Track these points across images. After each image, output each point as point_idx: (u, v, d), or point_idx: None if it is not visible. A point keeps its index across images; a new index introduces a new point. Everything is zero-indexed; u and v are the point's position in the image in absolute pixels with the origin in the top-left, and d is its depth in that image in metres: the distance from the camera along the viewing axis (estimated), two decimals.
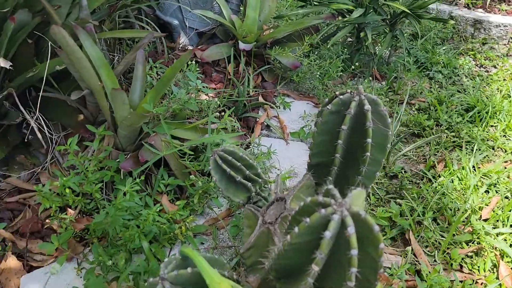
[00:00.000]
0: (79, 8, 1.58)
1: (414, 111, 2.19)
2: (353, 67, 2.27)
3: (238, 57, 2.31)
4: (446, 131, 2.03)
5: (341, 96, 0.88)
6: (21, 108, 1.50)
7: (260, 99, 2.10)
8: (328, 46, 2.22)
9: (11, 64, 1.45)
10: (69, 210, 1.48)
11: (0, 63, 1.44)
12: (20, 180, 1.57)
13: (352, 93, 0.87)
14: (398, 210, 1.55)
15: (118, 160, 1.48)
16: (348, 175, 0.94)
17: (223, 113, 1.78)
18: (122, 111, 1.41)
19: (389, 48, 2.50)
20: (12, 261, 1.31)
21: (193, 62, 1.81)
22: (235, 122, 1.60)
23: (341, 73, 2.20)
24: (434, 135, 1.99)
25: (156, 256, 1.28)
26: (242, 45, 2.12)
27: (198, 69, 1.89)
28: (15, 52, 1.52)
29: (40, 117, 1.65)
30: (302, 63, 2.15)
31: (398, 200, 1.63)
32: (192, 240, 1.35)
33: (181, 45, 2.52)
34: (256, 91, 2.17)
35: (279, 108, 2.09)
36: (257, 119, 1.97)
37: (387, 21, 2.40)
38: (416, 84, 2.39)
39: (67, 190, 1.34)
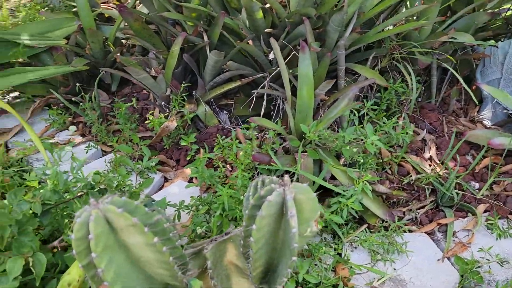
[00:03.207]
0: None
1: None
2: None
3: None
4: None
5: None
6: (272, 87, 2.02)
7: (479, 208, 1.69)
8: None
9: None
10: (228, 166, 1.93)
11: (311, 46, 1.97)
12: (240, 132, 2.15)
13: None
14: None
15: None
16: None
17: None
18: (291, 122, 1.67)
19: None
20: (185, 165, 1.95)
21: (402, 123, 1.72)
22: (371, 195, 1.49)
23: None
24: None
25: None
26: (497, 141, 1.72)
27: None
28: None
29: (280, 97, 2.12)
30: None
31: None
32: None
33: (480, 116, 2.25)
34: (488, 198, 1.74)
35: (488, 230, 1.63)
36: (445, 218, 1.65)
37: None
38: None
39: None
